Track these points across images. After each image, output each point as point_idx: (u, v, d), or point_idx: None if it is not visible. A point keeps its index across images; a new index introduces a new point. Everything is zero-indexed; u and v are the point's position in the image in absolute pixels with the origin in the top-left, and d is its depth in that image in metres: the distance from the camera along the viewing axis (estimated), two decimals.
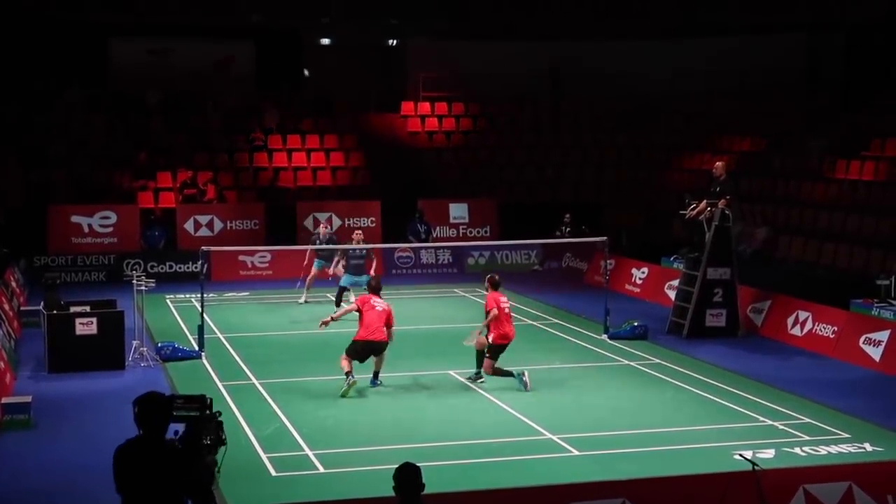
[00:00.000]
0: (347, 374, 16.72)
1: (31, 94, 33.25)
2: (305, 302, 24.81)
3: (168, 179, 31.91)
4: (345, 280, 23.94)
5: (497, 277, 17.78)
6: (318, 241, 25.16)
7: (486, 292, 17.83)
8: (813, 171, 28.26)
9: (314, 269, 25.02)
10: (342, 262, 24.27)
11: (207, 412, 8.32)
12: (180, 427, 8.26)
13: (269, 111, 34.52)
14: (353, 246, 24.05)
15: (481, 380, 17.45)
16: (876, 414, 16.01)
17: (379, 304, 17.09)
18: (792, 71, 33.84)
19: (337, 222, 30.34)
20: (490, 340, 17.12)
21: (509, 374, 17.16)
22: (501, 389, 17.06)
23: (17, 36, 33.43)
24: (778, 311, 22.01)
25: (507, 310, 17.27)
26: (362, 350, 16.96)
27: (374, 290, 17.41)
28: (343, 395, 16.61)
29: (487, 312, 17.17)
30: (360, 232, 25.15)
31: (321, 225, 26.47)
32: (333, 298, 23.81)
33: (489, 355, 17.15)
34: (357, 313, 17.10)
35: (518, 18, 34.24)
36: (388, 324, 17.00)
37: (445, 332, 22.12)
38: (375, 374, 17.33)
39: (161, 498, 7.75)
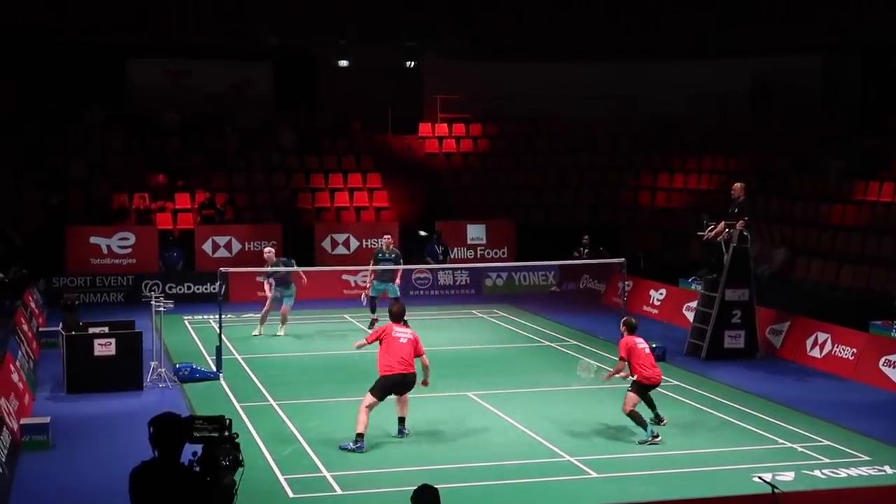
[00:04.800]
0: (358, 436, 14.89)
1: (50, 116, 33.41)
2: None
3: (186, 200, 32.01)
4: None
5: (634, 321, 16.42)
6: (380, 256, 24.21)
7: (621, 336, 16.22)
8: (831, 193, 28.19)
9: (368, 293, 24.38)
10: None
11: (227, 433, 8.31)
12: (198, 449, 8.24)
13: (285, 132, 34.62)
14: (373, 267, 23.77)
15: (658, 438, 15.45)
16: None
17: (403, 333, 15.23)
18: (809, 92, 33.77)
19: (355, 243, 30.41)
20: (635, 377, 15.88)
21: (644, 424, 15.53)
22: (519, 411, 17.00)
23: (36, 58, 33.60)
24: (797, 333, 21.92)
25: (646, 350, 15.88)
26: (391, 386, 15.09)
27: (396, 316, 15.44)
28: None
29: (621, 359, 15.85)
30: (388, 236, 24.83)
31: (384, 238, 24.80)
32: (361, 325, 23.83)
33: (634, 390, 15.71)
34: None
35: (534, 39, 34.24)
36: (418, 353, 15.16)
37: (463, 354, 22.11)
38: (401, 421, 15.58)
39: None
